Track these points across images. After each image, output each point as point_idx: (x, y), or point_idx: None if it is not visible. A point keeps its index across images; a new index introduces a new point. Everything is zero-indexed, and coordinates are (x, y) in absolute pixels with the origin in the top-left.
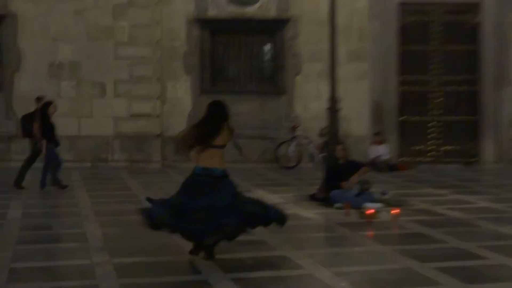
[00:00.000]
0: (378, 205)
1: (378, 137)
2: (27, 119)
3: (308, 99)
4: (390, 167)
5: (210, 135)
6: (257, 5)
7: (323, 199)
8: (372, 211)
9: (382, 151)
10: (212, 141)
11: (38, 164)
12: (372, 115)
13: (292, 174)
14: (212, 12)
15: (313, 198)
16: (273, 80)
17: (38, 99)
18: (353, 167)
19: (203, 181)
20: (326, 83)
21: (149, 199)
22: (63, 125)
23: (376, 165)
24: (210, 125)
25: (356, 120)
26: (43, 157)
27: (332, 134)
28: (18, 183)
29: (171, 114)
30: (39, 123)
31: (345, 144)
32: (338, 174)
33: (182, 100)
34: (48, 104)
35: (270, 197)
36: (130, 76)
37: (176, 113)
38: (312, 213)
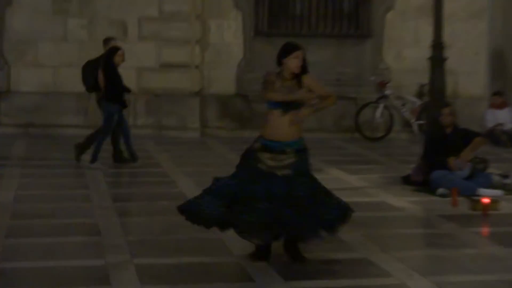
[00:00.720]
0: (497, 192)
1: (499, 98)
2: (91, 68)
3: (403, 45)
4: None
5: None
6: None
7: (421, 182)
8: (488, 200)
9: (504, 117)
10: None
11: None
12: (491, 68)
13: (379, 147)
14: None
15: (407, 181)
16: (355, 19)
17: (106, 41)
18: (464, 138)
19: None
20: (428, 22)
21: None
22: (69, 77)
23: (495, 136)
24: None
25: (469, 75)
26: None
27: (435, 93)
28: (79, 153)
29: (215, 64)
30: (103, 71)
31: (453, 107)
32: (442, 148)
33: (230, 46)
34: (114, 50)
35: (349, 179)
36: (160, 11)
37: (222, 63)
38: (405, 202)
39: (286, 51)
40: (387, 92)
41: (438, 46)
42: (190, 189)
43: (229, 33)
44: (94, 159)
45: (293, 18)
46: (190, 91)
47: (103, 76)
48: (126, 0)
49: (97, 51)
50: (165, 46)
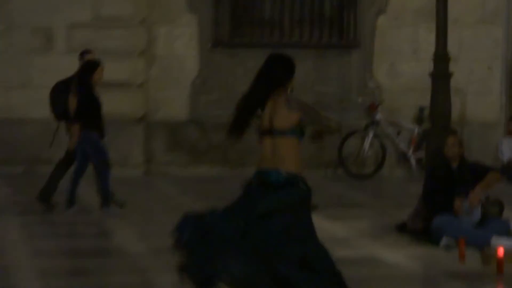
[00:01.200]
0: None
1: None
2: (60, 90)
3: (398, 58)
4: None
5: (250, 111)
6: None
7: (420, 231)
8: (504, 252)
9: None
10: (265, 122)
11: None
12: (507, 86)
13: (367, 187)
14: None
15: (403, 229)
16: (338, 25)
17: (83, 54)
18: (474, 174)
19: (253, 192)
20: (429, 29)
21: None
22: None
23: None
24: (255, 93)
25: (480, 95)
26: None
27: (438, 119)
28: (44, 196)
29: (163, 82)
30: (75, 95)
31: (461, 135)
32: (447, 187)
33: (182, 59)
34: (91, 66)
35: (330, 227)
36: (95, 16)
37: (172, 81)
38: (401, 256)
39: (293, 69)
40: (378, 117)
41: (441, 58)
42: (132, 242)
43: (181, 43)
44: (106, 202)
45: (261, 25)
46: (131, 117)
47: (75, 99)
48: (52, 2)
49: (16, 66)
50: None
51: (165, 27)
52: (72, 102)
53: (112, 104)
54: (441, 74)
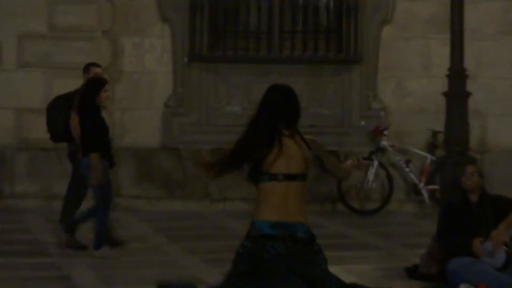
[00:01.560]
0: None
1: None
2: (59, 107)
3: (406, 74)
4: None
5: (249, 156)
6: None
7: (434, 276)
8: None
9: None
10: (276, 164)
11: None
12: None
13: (372, 225)
14: None
15: (414, 274)
16: (336, 37)
17: (87, 68)
18: (497, 209)
19: (280, 252)
20: (442, 41)
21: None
22: None
23: None
24: (264, 136)
25: (503, 118)
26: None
27: (453, 145)
28: (68, 226)
29: (132, 103)
30: (77, 117)
31: (481, 164)
32: (465, 224)
33: (153, 76)
34: (97, 83)
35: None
36: (51, 26)
37: (142, 102)
38: None
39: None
40: (384, 143)
41: (457, 75)
42: None
43: (153, 57)
44: (99, 244)
45: (246, 36)
46: None
47: (77, 120)
48: (0, 9)
49: None
50: (57, 76)
51: (133, 38)
52: (75, 123)
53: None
54: (457, 93)
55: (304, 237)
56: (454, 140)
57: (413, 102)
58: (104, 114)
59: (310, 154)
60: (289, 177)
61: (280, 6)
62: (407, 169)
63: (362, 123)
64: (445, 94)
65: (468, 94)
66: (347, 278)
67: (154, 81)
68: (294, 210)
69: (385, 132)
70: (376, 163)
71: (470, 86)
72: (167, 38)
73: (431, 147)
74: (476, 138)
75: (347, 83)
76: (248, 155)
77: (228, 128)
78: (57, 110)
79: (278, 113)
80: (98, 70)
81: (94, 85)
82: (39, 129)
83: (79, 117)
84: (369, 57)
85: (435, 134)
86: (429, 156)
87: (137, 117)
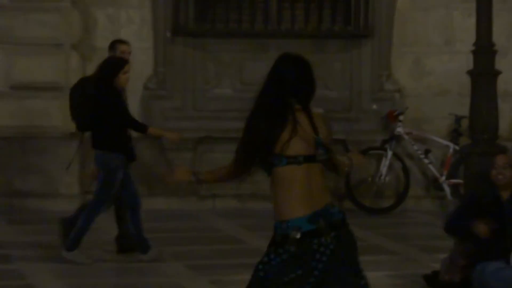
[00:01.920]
0: None
1: None
2: (84, 91)
3: (426, 50)
4: None
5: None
6: None
7: (457, 283)
8: None
9: None
10: (292, 146)
11: None
12: None
13: (386, 225)
14: None
15: (434, 281)
16: (343, 6)
17: (114, 45)
18: None
19: (331, 244)
20: (467, 11)
21: None
22: None
23: None
24: (275, 111)
25: None
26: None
27: (480, 132)
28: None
29: None
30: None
31: None
32: (494, 224)
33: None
34: (116, 63)
35: None
36: None
37: None
38: None
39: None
40: (400, 130)
41: (484, 51)
42: None
43: (130, 31)
44: (73, 244)
45: (238, 6)
46: (62, 132)
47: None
48: None
49: None
50: (18, 54)
51: (107, 9)
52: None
53: (34, 114)
54: (484, 72)
55: (340, 218)
56: (480, 126)
57: (433, 82)
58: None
59: (328, 134)
60: (309, 159)
61: None
62: (426, 161)
63: (374, 107)
64: (470, 72)
65: (497, 73)
66: None
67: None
68: (320, 193)
69: (401, 118)
70: (390, 153)
71: (500, 63)
72: (146, 9)
73: (454, 135)
74: (507, 124)
75: (356, 60)
76: (262, 139)
77: (218, 114)
78: (82, 95)
79: (290, 87)
80: (125, 47)
81: (113, 65)
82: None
83: (95, 102)
84: (381, 31)
85: (458, 119)
86: (451, 145)
87: None
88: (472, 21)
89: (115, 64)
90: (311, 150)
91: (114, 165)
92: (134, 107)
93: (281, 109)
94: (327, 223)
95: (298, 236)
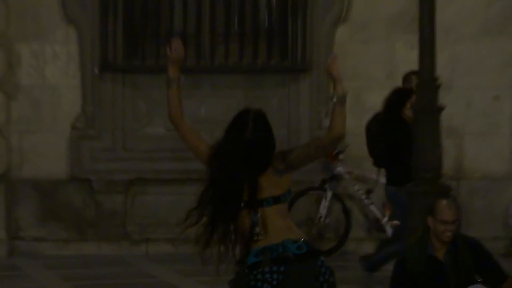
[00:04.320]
0: None
1: None
2: (378, 126)
3: (366, 85)
4: None
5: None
6: None
7: None
8: None
9: None
10: (259, 191)
11: None
12: None
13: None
14: None
15: None
16: (280, 39)
17: (407, 77)
18: (481, 262)
19: (273, 280)
20: (409, 43)
21: None
22: None
23: None
24: (236, 167)
25: (483, 137)
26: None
27: (424, 171)
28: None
29: (32, 124)
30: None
31: (457, 194)
32: (441, 276)
33: (57, 90)
34: (405, 95)
35: None
36: None
37: (44, 123)
38: None
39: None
40: (339, 170)
41: (427, 85)
42: None
43: (56, 67)
44: (374, 266)
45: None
46: None
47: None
48: None
49: None
50: None
51: (31, 45)
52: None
53: None
54: (427, 107)
55: (294, 253)
56: (424, 165)
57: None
58: None
59: (288, 175)
60: (264, 204)
61: (211, 4)
62: (367, 201)
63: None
64: (412, 108)
65: (441, 108)
66: None
67: (58, 97)
68: (276, 231)
69: (341, 157)
70: (330, 194)
71: (444, 98)
72: (73, 44)
73: None
74: (451, 161)
75: (293, 96)
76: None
77: (150, 154)
78: (375, 131)
79: (251, 164)
80: (413, 78)
81: (397, 97)
82: None
83: (384, 132)
84: (320, 65)
85: None
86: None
87: (38, 142)
88: (415, 54)
89: (400, 95)
90: (273, 193)
91: (405, 200)
92: (62, 147)
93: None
94: (272, 257)
95: (246, 270)
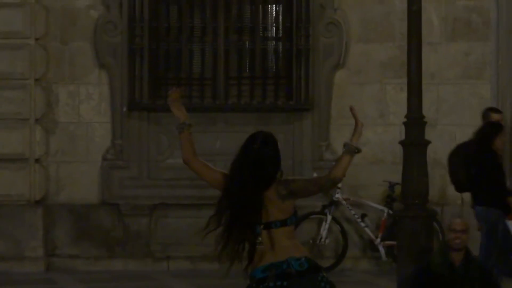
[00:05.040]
0: None
1: None
2: (462, 155)
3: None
4: None
5: (252, 208)
6: None
7: None
8: None
9: None
10: (265, 215)
11: None
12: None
13: None
14: None
15: None
16: (286, 82)
17: (486, 113)
18: (481, 278)
19: None
20: (399, 86)
21: None
22: None
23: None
24: (247, 188)
25: None
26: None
27: (412, 198)
28: None
29: (67, 156)
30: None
31: (441, 218)
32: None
33: (90, 127)
34: (493, 128)
35: None
36: None
37: (78, 155)
38: None
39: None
40: (338, 196)
41: (415, 123)
42: None
43: (89, 106)
44: None
45: (189, 83)
46: (27, 199)
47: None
48: None
49: None
50: None
51: (68, 86)
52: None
53: (2, 184)
54: (415, 142)
55: (297, 270)
56: (412, 192)
57: (369, 152)
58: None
59: (291, 202)
60: (266, 226)
61: (225, 50)
62: (362, 224)
63: (314, 175)
64: (402, 143)
65: (427, 143)
66: None
67: (91, 133)
68: (284, 250)
69: (339, 185)
70: (329, 218)
71: (429, 134)
72: (104, 86)
73: (388, 200)
74: (437, 189)
75: (298, 132)
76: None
77: (171, 182)
78: (458, 158)
79: (262, 178)
80: (496, 116)
81: (490, 129)
82: None
83: (476, 163)
84: (321, 104)
85: (392, 186)
86: (386, 210)
87: (73, 172)
88: (404, 95)
89: (493, 128)
90: (279, 217)
91: (494, 219)
92: (94, 176)
93: (254, 198)
94: (278, 273)
95: (254, 285)
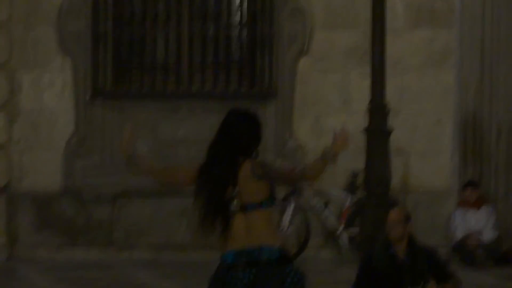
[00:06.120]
0: None
1: (473, 193)
2: None
3: (325, 110)
4: (499, 256)
5: (223, 185)
6: None
7: None
8: None
9: (480, 222)
10: (236, 194)
11: None
12: (460, 145)
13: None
14: None
15: None
16: (249, 69)
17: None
18: (430, 264)
19: (244, 279)
20: (362, 74)
21: None
22: None
23: (469, 253)
24: (221, 164)
25: (427, 156)
26: None
27: (375, 186)
28: None
29: (30, 143)
30: None
31: (403, 206)
32: (390, 281)
33: (53, 114)
34: None
35: None
36: None
37: (41, 142)
38: None
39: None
40: (300, 185)
41: (378, 110)
42: None
43: (52, 93)
44: None
45: (153, 70)
46: None
47: None
48: None
49: None
50: None
51: (31, 73)
52: None
53: None
54: (377, 129)
55: (267, 257)
56: (375, 180)
57: (331, 140)
58: None
59: (266, 183)
60: (255, 205)
61: (189, 37)
62: (325, 212)
63: (277, 163)
64: (365, 131)
65: (390, 131)
66: None
67: (54, 120)
68: (259, 235)
69: None
70: (292, 206)
71: (392, 122)
72: (67, 73)
73: (351, 189)
74: (399, 177)
75: (261, 119)
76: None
77: None
78: None
79: (241, 146)
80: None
81: None
82: None
83: None
84: (284, 92)
85: (354, 174)
86: (348, 198)
87: (36, 159)
88: (367, 83)
89: None
90: (254, 199)
91: None
92: (57, 164)
93: (229, 165)
94: (247, 260)
95: (225, 269)
